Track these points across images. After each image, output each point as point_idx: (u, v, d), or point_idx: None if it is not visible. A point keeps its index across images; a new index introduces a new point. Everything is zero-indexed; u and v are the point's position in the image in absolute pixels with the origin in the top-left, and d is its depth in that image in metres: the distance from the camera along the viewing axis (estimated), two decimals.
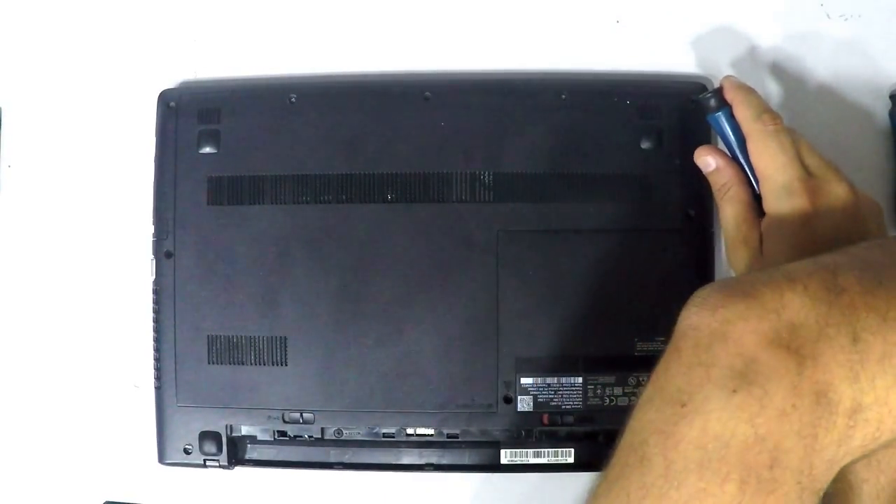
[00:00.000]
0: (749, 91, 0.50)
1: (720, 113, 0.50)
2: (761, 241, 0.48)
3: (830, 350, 0.36)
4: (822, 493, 0.37)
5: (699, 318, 0.38)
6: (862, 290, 0.37)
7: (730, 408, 0.36)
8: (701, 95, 0.51)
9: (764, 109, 0.49)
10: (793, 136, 0.49)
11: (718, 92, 0.50)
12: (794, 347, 0.36)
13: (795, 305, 0.37)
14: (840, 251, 0.40)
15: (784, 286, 0.37)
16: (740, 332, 0.37)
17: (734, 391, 0.36)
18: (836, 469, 0.37)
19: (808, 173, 0.48)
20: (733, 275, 0.50)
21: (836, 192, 0.47)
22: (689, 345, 0.38)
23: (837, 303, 0.37)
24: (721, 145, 0.52)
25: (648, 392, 0.39)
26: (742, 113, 0.49)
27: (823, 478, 0.37)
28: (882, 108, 0.56)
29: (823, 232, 0.46)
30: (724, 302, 0.37)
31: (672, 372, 0.38)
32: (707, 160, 0.51)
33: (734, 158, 0.51)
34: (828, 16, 0.57)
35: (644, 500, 0.37)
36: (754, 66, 0.57)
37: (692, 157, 0.51)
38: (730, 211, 0.50)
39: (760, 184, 0.49)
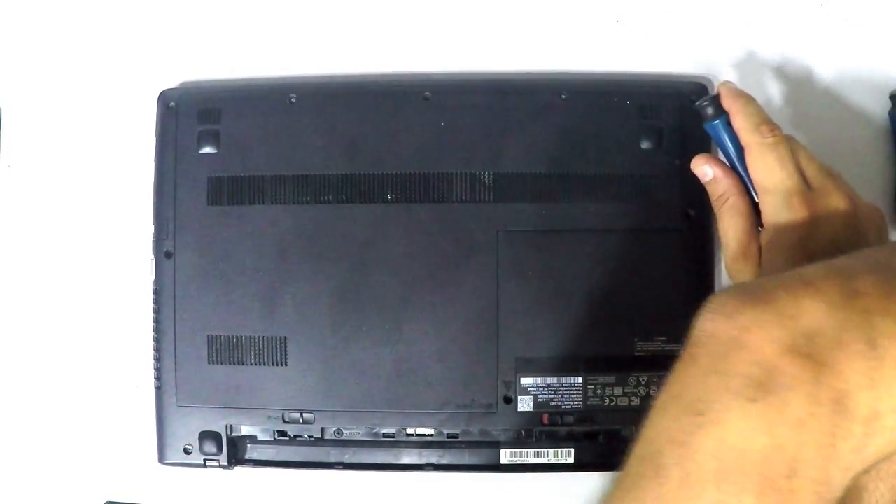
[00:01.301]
0: (747, 99, 0.49)
1: (717, 121, 0.49)
2: (760, 252, 0.48)
3: (847, 357, 0.35)
4: (836, 502, 0.37)
5: (715, 324, 0.37)
6: (878, 293, 0.36)
7: (748, 418, 0.35)
8: (697, 103, 0.50)
9: (762, 120, 0.48)
10: (791, 145, 0.48)
11: (715, 99, 0.50)
12: (812, 355, 0.35)
13: (812, 311, 0.36)
14: (854, 255, 0.40)
15: (801, 291, 0.37)
16: (758, 340, 0.36)
17: (752, 401, 0.35)
18: (850, 477, 0.37)
19: (807, 185, 0.47)
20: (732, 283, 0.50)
21: (836, 204, 0.46)
22: (706, 352, 0.37)
23: (854, 307, 0.36)
24: (719, 153, 0.52)
25: (663, 400, 0.38)
26: (739, 123, 0.49)
27: (839, 486, 0.36)
28: (882, 109, 0.56)
29: (823, 246, 0.46)
30: (741, 308, 0.37)
31: (688, 380, 0.38)
32: (704, 169, 0.50)
33: (732, 167, 0.50)
34: (827, 16, 0.57)
35: None
36: (754, 67, 0.57)
37: (692, 158, 0.51)
38: (728, 222, 0.49)
39: (759, 197, 0.48)
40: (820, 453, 0.35)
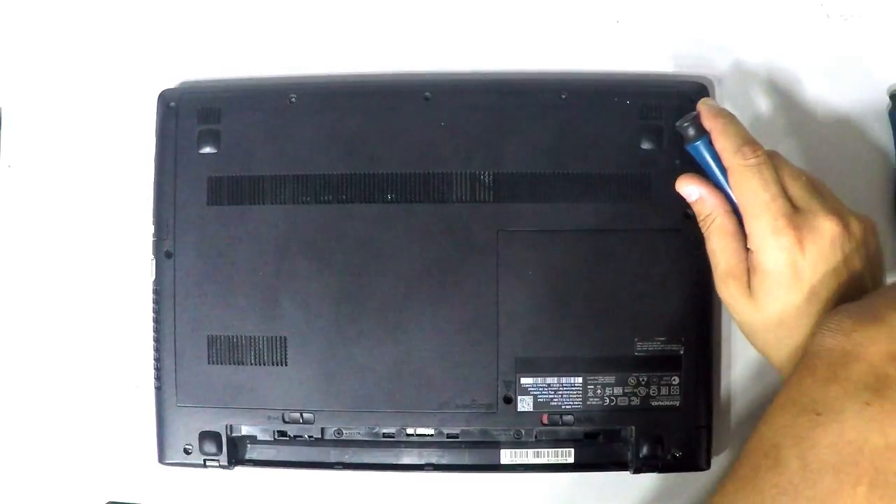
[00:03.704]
0: (727, 119, 0.48)
1: (699, 142, 0.49)
2: (749, 273, 0.48)
3: None
4: None
5: (834, 340, 0.42)
6: None
7: (863, 418, 0.40)
8: (678, 123, 0.50)
9: (744, 140, 0.47)
10: (775, 162, 0.48)
11: (696, 119, 0.49)
12: None
13: None
14: None
15: None
16: (872, 353, 0.41)
17: (867, 404, 0.40)
18: None
19: (792, 206, 0.47)
20: (724, 303, 0.50)
21: (823, 225, 0.46)
22: (824, 363, 0.42)
23: None
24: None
25: (780, 401, 0.43)
26: (721, 144, 0.48)
27: None
28: (882, 109, 0.56)
29: (812, 267, 0.46)
30: (856, 327, 0.42)
31: (806, 385, 0.42)
32: (689, 190, 0.50)
33: (718, 186, 0.49)
34: (827, 16, 0.57)
35: (779, 498, 0.41)
36: (754, 67, 0.57)
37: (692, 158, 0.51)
38: (717, 243, 0.49)
39: (744, 221, 0.47)
40: None
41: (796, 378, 0.43)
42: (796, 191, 0.47)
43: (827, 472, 0.40)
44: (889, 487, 0.40)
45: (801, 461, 0.41)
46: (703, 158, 0.49)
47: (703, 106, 0.49)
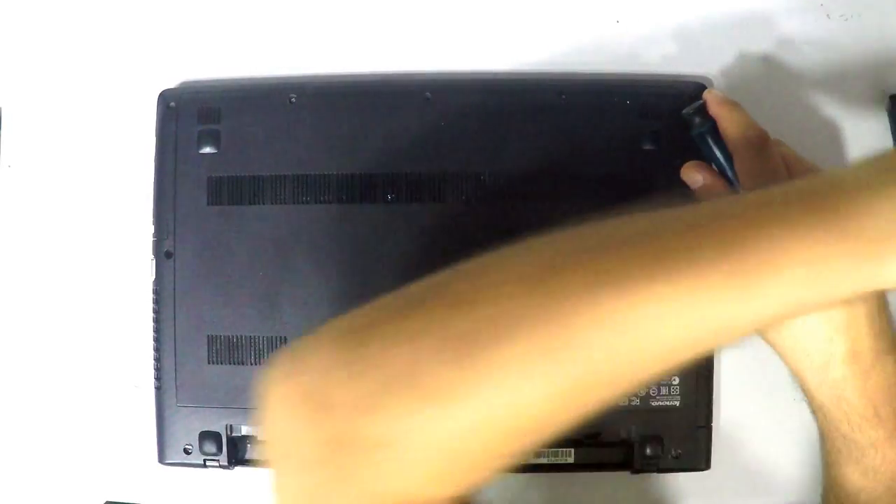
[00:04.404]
0: (733, 106, 0.49)
1: (705, 129, 0.49)
2: None
3: None
4: None
5: None
6: None
7: None
8: (684, 111, 0.50)
9: (749, 125, 0.48)
10: (780, 149, 0.48)
11: (702, 108, 0.50)
12: None
13: None
14: None
15: None
16: None
17: None
18: None
19: None
20: None
21: None
22: None
23: None
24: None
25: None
26: (727, 130, 0.49)
27: None
28: (882, 109, 0.56)
29: None
30: None
31: None
32: (695, 177, 0.50)
33: (723, 174, 0.49)
34: (828, 16, 0.57)
35: None
36: (754, 66, 0.57)
37: (690, 159, 0.51)
38: None
39: None
40: None
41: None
42: (800, 176, 0.47)
43: None
44: None
45: None
46: (708, 145, 0.50)
47: (709, 95, 0.50)
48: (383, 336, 0.32)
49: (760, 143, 0.47)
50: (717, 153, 0.49)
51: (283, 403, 0.32)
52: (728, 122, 0.49)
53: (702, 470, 0.53)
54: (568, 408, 0.32)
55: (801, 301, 0.32)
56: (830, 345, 0.46)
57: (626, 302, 0.31)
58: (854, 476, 0.48)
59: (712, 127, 0.49)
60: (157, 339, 0.54)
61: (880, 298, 0.47)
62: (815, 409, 0.49)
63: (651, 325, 0.31)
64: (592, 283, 0.32)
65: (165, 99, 0.55)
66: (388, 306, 0.35)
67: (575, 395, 0.32)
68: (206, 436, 0.53)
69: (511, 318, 0.31)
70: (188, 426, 0.53)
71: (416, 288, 0.35)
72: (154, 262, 0.54)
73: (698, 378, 0.53)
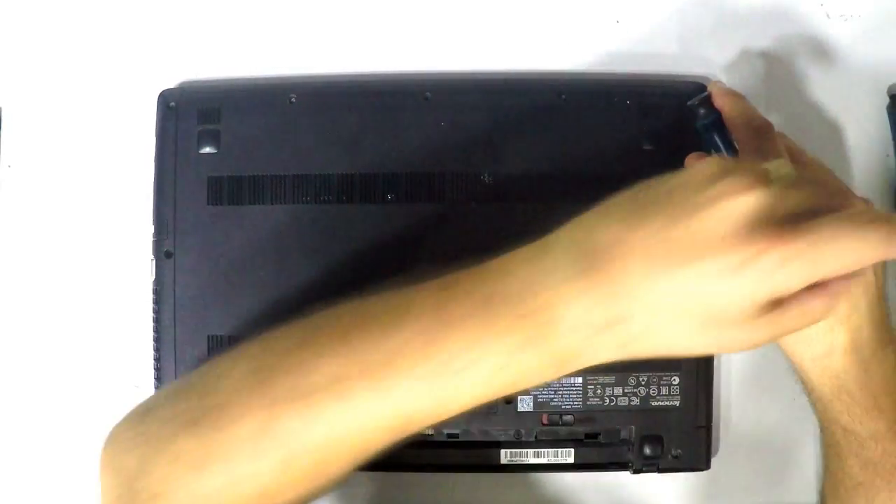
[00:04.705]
0: (738, 97, 0.49)
1: (709, 121, 0.49)
2: None
3: None
4: None
5: None
6: None
7: None
8: (689, 103, 0.50)
9: (753, 116, 0.48)
10: (783, 142, 0.48)
11: (707, 99, 0.49)
12: None
13: None
14: None
15: None
16: None
17: None
18: None
19: None
20: None
21: None
22: None
23: None
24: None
25: None
26: (732, 121, 0.49)
27: None
28: (882, 109, 0.56)
29: None
30: None
31: None
32: None
33: None
34: (828, 16, 0.57)
35: None
36: (754, 66, 0.57)
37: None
38: None
39: None
40: None
41: None
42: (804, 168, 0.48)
43: None
44: None
45: None
46: (713, 136, 0.50)
47: (714, 87, 0.50)
48: (156, 417, 0.41)
49: (765, 132, 0.47)
50: (721, 145, 0.50)
51: (101, 465, 0.42)
52: (733, 113, 0.49)
53: (702, 470, 0.53)
54: (297, 481, 0.39)
55: (495, 391, 0.38)
56: (831, 334, 0.46)
57: (312, 406, 0.39)
58: (854, 469, 0.48)
59: (717, 118, 0.49)
60: (157, 339, 0.54)
61: (880, 289, 0.47)
62: (815, 401, 0.49)
63: (340, 419, 0.38)
64: (292, 387, 0.39)
65: (165, 99, 0.55)
66: (167, 394, 0.45)
67: (296, 473, 0.39)
68: None
69: (234, 406, 0.39)
70: None
71: (186, 377, 0.44)
72: (154, 262, 0.54)
73: (698, 378, 0.53)
